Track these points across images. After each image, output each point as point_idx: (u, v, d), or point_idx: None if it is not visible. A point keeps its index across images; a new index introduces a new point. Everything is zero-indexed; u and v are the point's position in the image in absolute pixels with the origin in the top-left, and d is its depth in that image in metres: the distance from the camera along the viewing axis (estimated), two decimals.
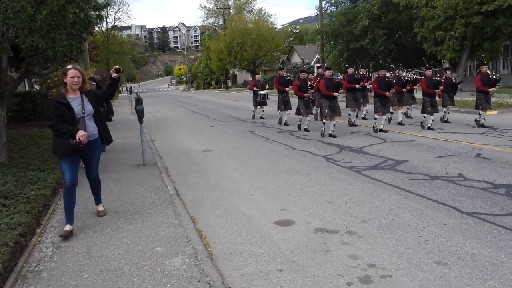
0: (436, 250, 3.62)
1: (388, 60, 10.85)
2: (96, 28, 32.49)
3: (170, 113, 20.17)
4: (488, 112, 10.99)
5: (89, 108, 4.34)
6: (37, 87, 14.17)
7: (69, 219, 4.29)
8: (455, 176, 5.89)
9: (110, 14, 46.29)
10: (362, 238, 3.97)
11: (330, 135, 9.78)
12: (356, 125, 11.49)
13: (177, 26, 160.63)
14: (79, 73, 4.24)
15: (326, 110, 9.67)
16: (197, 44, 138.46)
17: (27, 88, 16.71)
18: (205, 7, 75.18)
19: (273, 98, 16.28)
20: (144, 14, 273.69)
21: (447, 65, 20.56)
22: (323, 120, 9.96)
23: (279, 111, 12.74)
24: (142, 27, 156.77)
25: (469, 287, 3.02)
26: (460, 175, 5.93)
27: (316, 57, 35.72)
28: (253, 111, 15.05)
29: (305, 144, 9.17)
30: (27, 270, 3.52)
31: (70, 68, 4.24)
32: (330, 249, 3.77)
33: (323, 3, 29.40)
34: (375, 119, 10.29)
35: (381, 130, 10.16)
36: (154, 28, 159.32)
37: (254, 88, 14.49)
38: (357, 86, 11.79)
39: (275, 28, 52.96)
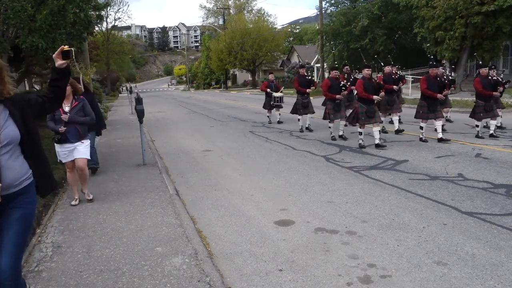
0: (436, 250, 3.63)
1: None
2: (96, 28, 32.47)
3: (170, 113, 20.17)
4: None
5: (8, 131, 2.33)
6: (37, 87, 14.19)
7: None
8: (455, 176, 5.89)
9: (110, 14, 46.26)
10: (362, 238, 3.97)
11: (379, 146, 8.12)
12: (386, 132, 9.94)
13: (177, 26, 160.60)
14: None
15: (363, 118, 8.12)
16: (197, 44, 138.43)
17: (27, 88, 16.71)
18: (205, 7, 75.12)
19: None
20: (144, 14, 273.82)
21: (447, 66, 20.58)
22: (360, 129, 8.33)
23: (298, 116, 11.04)
24: (142, 27, 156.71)
25: (469, 287, 3.02)
26: (460, 175, 5.93)
27: (316, 57, 35.70)
28: (268, 116, 13.37)
29: (305, 144, 9.17)
30: (27, 270, 3.52)
31: None
32: (330, 249, 3.77)
33: (323, 3, 29.43)
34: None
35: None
36: (154, 28, 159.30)
37: (268, 90, 12.74)
38: (394, 87, 9.93)
39: (275, 28, 52.98)
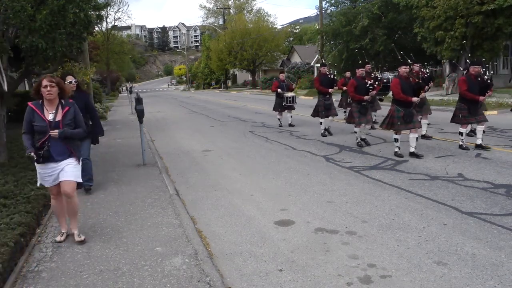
0: (436, 250, 3.62)
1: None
2: (96, 28, 32.50)
3: (170, 113, 20.16)
4: (488, 112, 10.80)
5: None
6: None
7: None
8: (455, 176, 5.89)
9: (110, 14, 46.30)
10: (362, 238, 3.97)
11: (414, 154, 7.20)
12: (430, 137, 8.96)
13: (177, 26, 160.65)
14: None
15: (399, 122, 7.14)
16: (197, 44, 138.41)
17: (27, 88, 16.71)
18: (205, 7, 75.16)
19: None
20: (144, 14, 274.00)
21: (446, 66, 20.55)
22: (395, 135, 7.39)
23: (321, 119, 10.08)
24: (142, 27, 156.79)
25: (469, 287, 3.02)
26: (460, 175, 5.93)
27: (316, 57, 35.70)
28: (279, 118, 12.32)
29: (305, 144, 9.17)
30: (27, 270, 3.52)
31: None
32: (330, 249, 3.77)
33: (323, 3, 29.40)
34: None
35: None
36: (154, 28, 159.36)
37: (279, 90, 11.83)
38: (426, 87, 8.81)
39: (275, 28, 52.98)
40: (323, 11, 29.43)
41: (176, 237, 4.08)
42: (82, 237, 4.06)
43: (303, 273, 3.35)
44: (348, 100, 10.66)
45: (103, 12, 8.39)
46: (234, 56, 48.37)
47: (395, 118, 7.17)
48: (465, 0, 17.87)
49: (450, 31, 18.98)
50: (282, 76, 12.38)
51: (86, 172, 5.50)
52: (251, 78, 52.53)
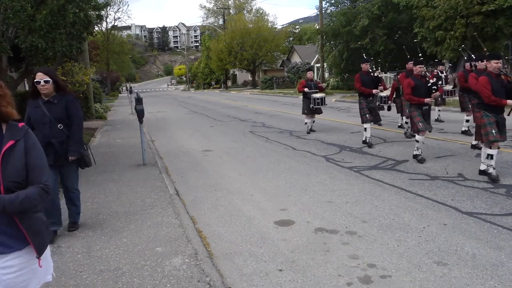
0: (436, 250, 3.62)
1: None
2: (96, 28, 32.49)
3: (170, 113, 20.16)
4: None
5: None
6: None
7: None
8: (455, 176, 5.89)
9: (110, 14, 46.41)
10: (362, 238, 3.97)
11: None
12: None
13: (177, 26, 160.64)
14: None
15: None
16: (197, 44, 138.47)
17: (27, 88, 16.71)
18: (205, 7, 75.36)
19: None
20: (144, 14, 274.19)
21: (447, 66, 20.54)
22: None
23: (365, 125, 8.44)
24: (142, 27, 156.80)
25: (469, 287, 3.02)
26: (460, 175, 5.93)
27: (316, 57, 35.70)
28: (306, 123, 10.70)
29: (305, 144, 9.17)
30: None
31: None
32: (330, 249, 3.77)
33: (323, 3, 29.40)
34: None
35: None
36: (154, 28, 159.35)
37: (306, 89, 10.36)
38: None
39: (275, 28, 53.01)
40: (323, 11, 29.42)
41: (176, 237, 4.08)
42: None
43: (303, 273, 3.35)
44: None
45: (103, 12, 8.40)
46: (234, 56, 48.39)
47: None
48: (465, 0, 17.88)
49: (450, 31, 18.99)
50: (310, 75, 10.90)
51: (73, 204, 4.41)
52: (251, 78, 52.54)
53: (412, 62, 8.25)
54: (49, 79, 3.91)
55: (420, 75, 6.78)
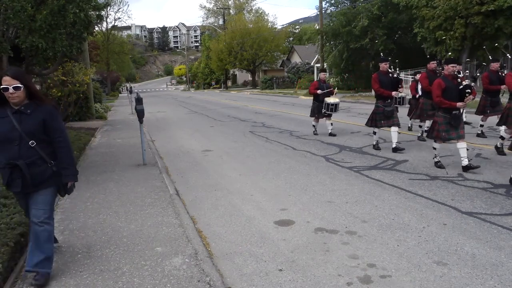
0: (436, 250, 3.63)
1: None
2: (96, 28, 32.51)
3: (170, 113, 20.16)
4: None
5: None
6: (37, 87, 14.15)
7: None
8: (455, 176, 5.89)
9: (110, 14, 46.46)
10: (362, 238, 3.97)
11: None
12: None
13: (177, 26, 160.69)
14: None
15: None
16: (197, 44, 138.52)
17: None
18: (205, 7, 75.39)
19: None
20: (144, 14, 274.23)
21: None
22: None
23: (375, 128, 8.03)
24: (142, 27, 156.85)
25: (469, 287, 3.02)
26: (460, 175, 5.93)
27: (316, 57, 35.71)
28: (314, 125, 10.34)
29: (305, 144, 9.17)
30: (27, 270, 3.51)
31: None
32: (330, 249, 3.77)
33: (323, 3, 29.43)
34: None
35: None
36: (154, 28, 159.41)
37: (318, 91, 9.77)
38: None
39: (275, 28, 53.03)
40: (323, 11, 29.44)
41: (176, 237, 4.08)
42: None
43: (303, 273, 3.35)
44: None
45: (103, 12, 8.40)
46: (234, 56, 48.43)
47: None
48: (465, 0, 17.89)
49: (450, 31, 19.00)
50: (323, 76, 10.28)
51: (39, 246, 3.20)
52: (251, 78, 52.56)
53: (434, 62, 7.90)
54: (20, 85, 3.07)
55: (452, 76, 6.19)
